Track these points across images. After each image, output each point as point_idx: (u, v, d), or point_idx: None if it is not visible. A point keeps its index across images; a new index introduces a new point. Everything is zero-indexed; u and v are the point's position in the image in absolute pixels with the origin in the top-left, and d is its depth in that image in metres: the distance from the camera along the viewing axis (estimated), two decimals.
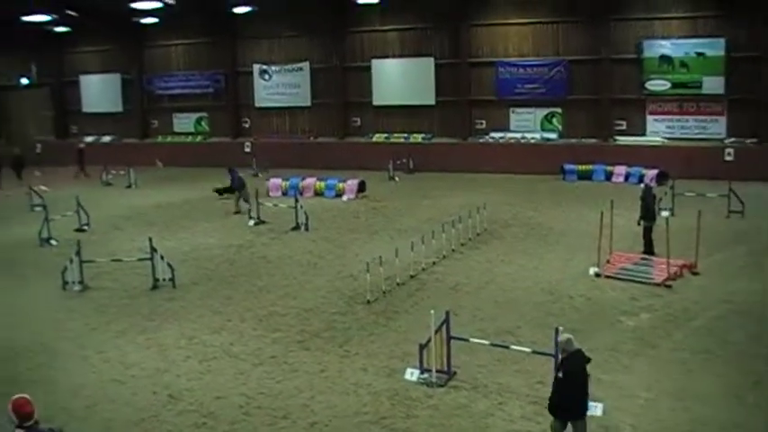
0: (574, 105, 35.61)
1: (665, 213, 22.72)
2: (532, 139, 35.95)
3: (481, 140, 36.99)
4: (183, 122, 45.24)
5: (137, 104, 46.09)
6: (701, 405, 11.46)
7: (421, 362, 12.53)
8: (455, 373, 12.57)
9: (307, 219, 24.80)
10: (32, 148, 47.27)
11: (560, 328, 11.14)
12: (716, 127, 33.51)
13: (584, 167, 33.30)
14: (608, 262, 18.83)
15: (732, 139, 32.98)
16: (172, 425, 11.54)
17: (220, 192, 30.90)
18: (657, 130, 34.39)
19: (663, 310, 15.77)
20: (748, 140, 32.76)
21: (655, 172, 30.76)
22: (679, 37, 33.41)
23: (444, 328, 12.37)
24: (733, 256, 19.90)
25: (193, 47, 44.27)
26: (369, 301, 16.74)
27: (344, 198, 30.24)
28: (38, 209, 29.10)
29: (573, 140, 35.23)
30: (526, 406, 11.50)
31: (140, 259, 19.91)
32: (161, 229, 25.50)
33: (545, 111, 36.15)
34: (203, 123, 44.66)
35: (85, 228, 26.23)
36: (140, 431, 11.44)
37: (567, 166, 33.52)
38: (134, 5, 38.39)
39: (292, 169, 36.18)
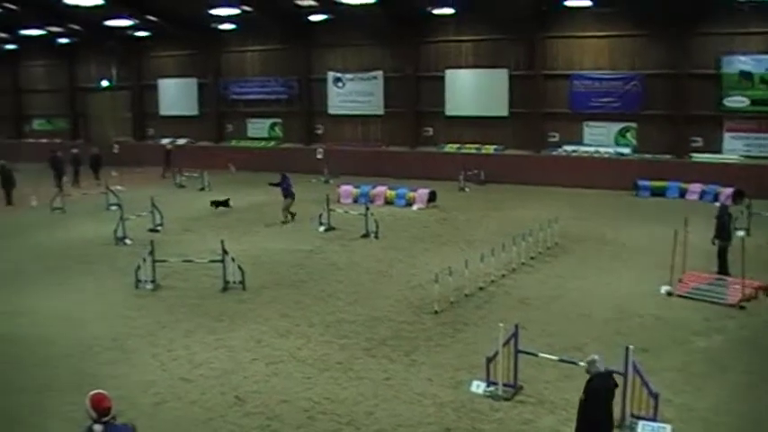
0: (649, 120, 35.02)
1: (740, 233, 22.20)
2: (606, 153, 35.49)
3: (554, 153, 36.67)
4: (257, 127, 45.77)
5: (212, 108, 46.79)
6: None
7: (488, 374, 12.49)
8: (522, 387, 12.49)
9: (377, 227, 24.88)
10: (110, 149, 48.39)
11: (631, 346, 11.00)
12: None
13: (657, 184, 32.76)
14: (680, 281, 18.48)
15: None
16: (238, 426, 11.67)
17: (217, 204, 31.04)
18: (734, 147, 33.59)
19: (736, 332, 15.44)
20: None
21: (731, 190, 30.15)
22: (759, 52, 32.59)
23: (512, 341, 12.29)
24: None
25: (269, 53, 44.78)
26: (436, 312, 16.72)
27: (414, 207, 30.24)
28: (113, 208, 29.80)
29: (647, 156, 34.65)
30: None
31: (211, 261, 20.18)
32: (232, 232, 25.80)
33: (619, 125, 35.63)
34: (277, 129, 45.13)
35: (159, 228, 26.71)
36: (207, 430, 11.59)
37: (641, 182, 33.01)
38: (213, 12, 39.05)
39: (363, 177, 36.36)
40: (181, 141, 47.77)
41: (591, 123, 36.16)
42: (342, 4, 35.69)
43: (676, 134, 34.36)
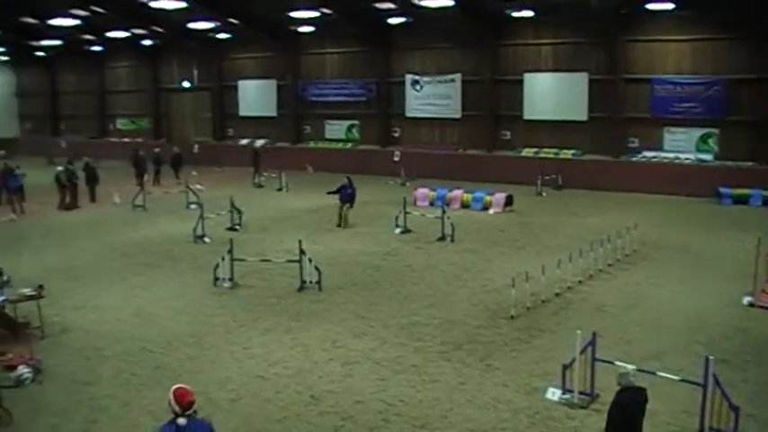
0: (731, 126, 34.18)
1: None
2: (686, 159, 34.83)
3: (633, 159, 36.11)
4: (335, 129, 46.11)
5: (291, 110, 47.31)
6: None
7: (563, 382, 12.39)
8: (598, 395, 12.34)
9: (453, 230, 24.85)
10: (190, 149, 49.31)
11: (711, 357, 10.81)
12: None
13: (740, 191, 31.99)
14: (764, 291, 18.03)
15: None
16: (312, 425, 11.79)
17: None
18: None
19: None
20: None
21: None
22: None
23: (589, 349, 12.18)
24: None
25: (348, 55, 45.10)
26: (512, 317, 16.64)
27: (491, 211, 30.12)
28: (193, 206, 30.38)
29: (729, 163, 33.86)
30: None
31: (289, 261, 20.43)
32: (309, 233, 26.03)
33: (701, 131, 34.89)
34: (354, 131, 45.41)
35: (237, 227, 27.11)
36: (281, 428, 11.73)
37: (722, 190, 32.29)
38: (292, 14, 39.51)
39: (440, 180, 36.35)
40: (260, 142, 48.42)
41: (672, 129, 35.50)
42: (420, 6, 35.77)
43: (760, 140, 33.52)
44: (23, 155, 54.69)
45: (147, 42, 52.43)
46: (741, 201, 31.68)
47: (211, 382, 13.47)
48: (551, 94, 38.04)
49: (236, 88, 49.98)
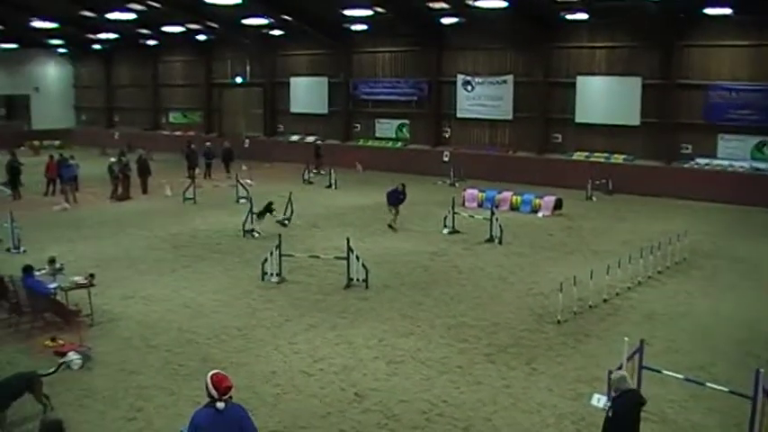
0: None
1: None
2: (741, 167, 34.24)
3: (686, 166, 35.60)
4: (385, 128, 46.12)
5: (341, 107, 47.39)
6: None
7: (609, 388, 12.26)
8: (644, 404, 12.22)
9: (501, 232, 24.74)
10: (241, 144, 49.71)
11: (761, 370, 10.64)
12: None
13: None
14: None
15: None
16: (356, 422, 11.84)
17: (261, 213, 26.75)
18: None
19: None
20: None
21: None
22: None
23: (637, 356, 12.05)
24: None
25: (400, 54, 45.05)
26: (559, 321, 16.52)
27: (540, 214, 29.91)
28: (243, 201, 30.63)
29: None
30: None
31: (336, 258, 20.53)
32: (357, 230, 26.11)
33: (756, 139, 34.22)
34: (404, 130, 45.37)
35: (286, 222, 27.25)
36: (326, 424, 11.80)
37: None
38: (346, 12, 39.61)
39: (489, 181, 36.21)
40: (309, 139, 48.63)
41: (726, 136, 34.86)
42: (474, 7, 35.65)
43: None
44: (78, 145, 55.69)
45: (201, 37, 52.93)
46: None
47: (256, 375, 13.59)
48: (604, 97, 37.63)
49: (287, 85, 50.21)
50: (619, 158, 37.22)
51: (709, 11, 32.77)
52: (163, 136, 58.01)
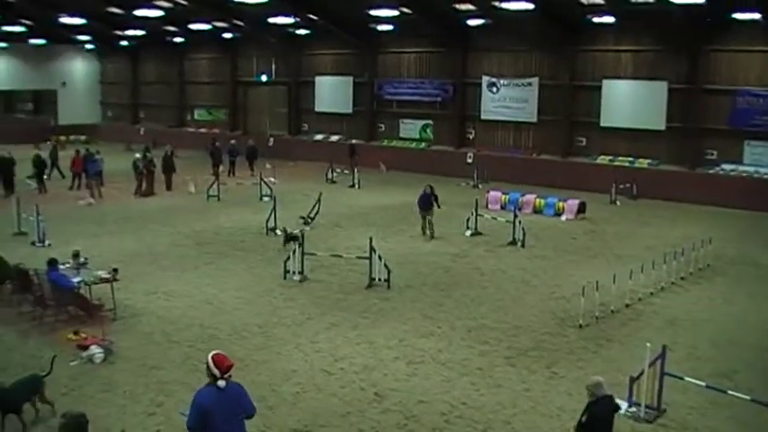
0: None
1: None
2: (766, 174, 33.92)
3: (711, 171, 35.34)
4: (409, 128, 46.08)
5: (366, 107, 47.41)
6: None
7: (630, 394, 12.21)
8: (665, 410, 12.17)
9: (524, 235, 24.66)
10: (265, 142, 49.87)
11: None
12: None
13: None
14: None
15: None
16: (375, 422, 11.88)
17: (288, 237, 23.42)
18: None
19: None
20: None
21: None
22: None
23: (659, 362, 11.99)
24: None
25: (425, 55, 45.00)
26: (580, 326, 16.46)
27: (563, 218, 29.80)
28: (266, 199, 30.73)
29: None
30: None
31: (359, 257, 20.57)
32: (379, 230, 26.12)
33: None
34: (428, 131, 45.31)
35: (310, 220, 27.28)
36: (345, 424, 11.84)
37: None
38: (372, 12, 39.64)
39: (512, 184, 36.12)
40: (333, 138, 48.71)
41: (753, 142, 34.55)
42: (500, 9, 35.58)
43: None
44: (103, 141, 56.04)
45: (227, 35, 53.11)
46: None
47: (277, 373, 13.65)
48: (629, 101, 37.41)
49: (312, 84, 50.27)
50: (643, 163, 37.00)
51: (738, 15, 32.50)
52: (188, 133, 58.29)
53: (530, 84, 40.49)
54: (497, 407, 12.45)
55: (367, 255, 19.64)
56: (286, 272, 20.05)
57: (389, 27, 43.97)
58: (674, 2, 30.61)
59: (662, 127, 36.43)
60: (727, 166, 34.95)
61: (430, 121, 45.18)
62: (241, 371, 13.49)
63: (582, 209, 30.23)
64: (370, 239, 19.83)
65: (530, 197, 31.57)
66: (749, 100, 34.06)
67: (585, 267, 21.91)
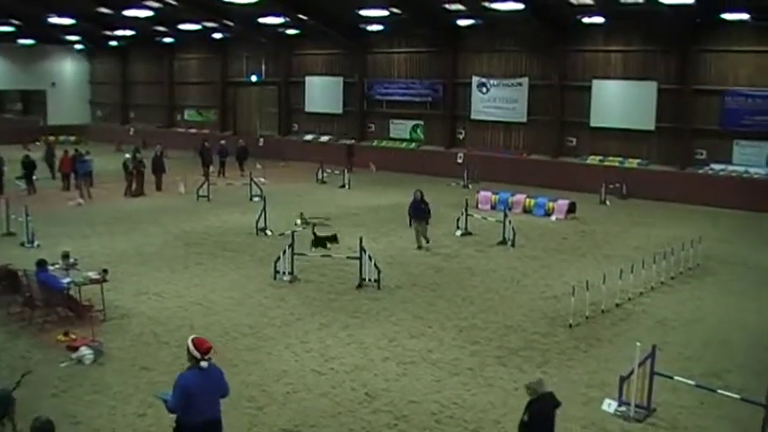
0: None
1: None
2: (756, 174, 34.03)
3: (700, 171, 35.44)
4: (399, 128, 46.09)
5: (356, 108, 47.42)
6: None
7: (620, 394, 12.24)
8: (655, 410, 12.19)
9: (514, 235, 24.69)
10: (255, 142, 49.81)
11: None
12: None
13: None
14: None
15: None
16: (365, 422, 11.87)
17: (317, 242, 23.21)
18: None
19: None
20: None
21: None
22: None
23: (648, 362, 12.01)
24: None
25: (415, 56, 45.03)
26: (570, 325, 16.48)
27: (553, 218, 29.85)
28: (256, 199, 30.70)
29: None
30: None
31: (349, 257, 20.55)
32: (369, 231, 26.12)
33: None
34: (419, 131, 45.32)
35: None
36: (336, 424, 11.82)
37: None
38: (362, 12, 39.66)
39: (502, 184, 36.16)
40: (324, 138, 48.72)
41: (742, 142, 34.66)
42: (490, 9, 35.64)
43: None
44: (93, 141, 55.92)
45: (217, 35, 53.08)
46: None
47: (268, 373, 13.63)
48: (619, 101, 37.50)
49: (302, 84, 50.27)
50: (633, 163, 37.09)
51: (727, 16, 32.65)
52: (177, 133, 58.19)
53: (519, 84, 40.56)
54: (488, 406, 12.45)
55: (357, 255, 19.63)
56: (276, 272, 20.02)
57: (379, 27, 44.02)
58: (664, 2, 30.74)
59: (652, 127, 36.54)
60: (716, 166, 35.07)
61: (420, 122, 45.21)
62: (231, 371, 13.50)
63: (572, 209, 30.29)
64: (361, 240, 19.81)
65: (520, 197, 31.61)
66: (738, 100, 34.17)
67: (575, 267, 21.95)
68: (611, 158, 37.79)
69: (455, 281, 20.29)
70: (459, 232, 26.20)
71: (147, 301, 17.92)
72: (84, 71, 66.75)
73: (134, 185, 33.79)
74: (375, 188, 37.01)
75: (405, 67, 45.59)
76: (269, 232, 25.37)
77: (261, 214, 25.83)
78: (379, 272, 19.26)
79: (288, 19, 44.12)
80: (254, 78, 53.11)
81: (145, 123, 61.33)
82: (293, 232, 21.81)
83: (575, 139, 39.43)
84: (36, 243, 23.30)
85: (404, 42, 45.01)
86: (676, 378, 12.33)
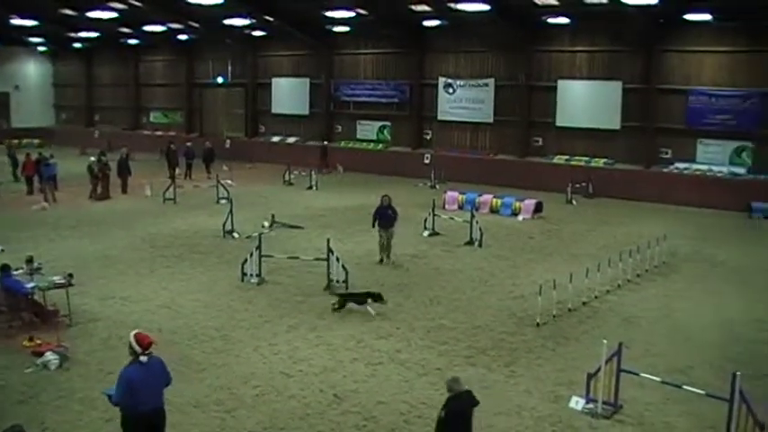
0: (766, 140, 33.72)
1: None
2: (719, 172, 34.43)
3: (665, 170, 35.79)
4: (366, 129, 46.11)
5: (323, 109, 47.37)
6: None
7: (587, 391, 12.33)
8: (621, 406, 12.29)
9: (481, 235, 24.77)
10: (222, 144, 49.58)
11: (738, 373, 10.70)
12: None
13: None
14: None
15: None
16: (334, 423, 11.84)
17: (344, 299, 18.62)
18: None
19: None
20: None
21: None
22: None
23: (615, 359, 12.10)
24: None
25: (382, 57, 45.10)
26: (538, 324, 16.57)
27: (520, 218, 30.00)
28: (223, 201, 30.57)
29: (762, 177, 33.28)
30: None
31: (316, 259, 20.51)
32: (337, 232, 26.06)
33: (735, 144, 34.43)
34: (386, 132, 45.37)
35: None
36: (305, 426, 11.78)
37: (755, 204, 31.89)
38: (328, 14, 39.61)
39: (470, 184, 36.28)
40: (291, 140, 48.63)
41: (705, 141, 35.07)
42: (456, 10, 35.75)
43: None
44: (58, 144, 55.33)
45: (182, 37, 52.80)
46: None
47: (236, 376, 13.56)
48: (585, 101, 37.79)
49: (269, 85, 50.17)
50: (599, 162, 37.39)
51: (690, 16, 33.02)
52: (143, 135, 57.79)
53: (486, 84, 40.74)
54: None
55: (325, 256, 19.59)
56: (243, 274, 19.92)
57: (346, 28, 44.05)
58: (628, 3, 30.97)
59: (617, 126, 36.87)
60: (681, 165, 35.46)
61: (387, 123, 45.27)
62: (199, 374, 13.47)
63: (539, 208, 30.46)
64: (328, 241, 19.76)
65: (487, 197, 31.73)
66: (702, 99, 34.60)
67: (543, 266, 22.06)
68: (577, 158, 38.05)
69: (423, 281, 20.31)
70: (426, 233, 26.24)
71: (113, 305, 17.75)
72: (47, 73, 66.16)
73: (99, 189, 33.46)
74: (342, 189, 36.99)
75: (371, 68, 45.61)
76: (236, 234, 25.25)
77: (228, 216, 25.71)
78: (346, 273, 19.21)
79: (254, 20, 43.99)
80: (220, 80, 52.91)
81: (110, 126, 60.86)
82: (260, 234, 21.74)
83: (541, 139, 39.66)
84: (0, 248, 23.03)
85: (370, 43, 45.06)
86: (642, 375, 12.42)
